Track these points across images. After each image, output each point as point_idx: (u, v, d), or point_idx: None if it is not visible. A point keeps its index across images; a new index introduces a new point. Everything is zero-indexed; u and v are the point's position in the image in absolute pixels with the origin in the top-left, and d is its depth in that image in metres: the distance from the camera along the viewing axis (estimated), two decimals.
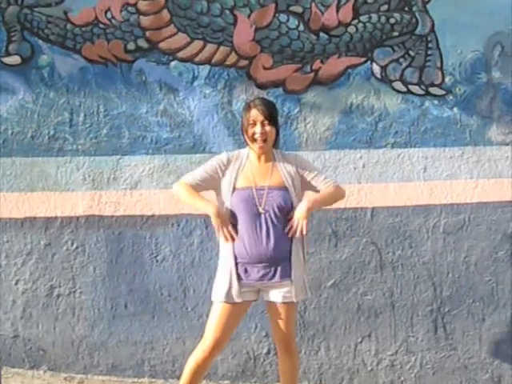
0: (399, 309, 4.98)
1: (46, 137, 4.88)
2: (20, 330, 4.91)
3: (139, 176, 4.89)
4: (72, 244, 4.89)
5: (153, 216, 4.89)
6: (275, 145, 4.03)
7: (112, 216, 4.88)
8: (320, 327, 4.96)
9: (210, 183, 3.97)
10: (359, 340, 4.98)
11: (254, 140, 3.93)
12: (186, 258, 4.85)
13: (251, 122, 3.93)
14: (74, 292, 4.90)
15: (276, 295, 3.94)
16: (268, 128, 3.92)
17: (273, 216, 3.89)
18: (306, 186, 4.02)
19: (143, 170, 4.89)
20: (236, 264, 3.90)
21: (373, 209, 4.95)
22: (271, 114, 3.95)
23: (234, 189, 3.92)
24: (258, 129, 3.91)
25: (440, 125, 4.99)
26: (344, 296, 4.96)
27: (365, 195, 4.95)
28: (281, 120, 4.86)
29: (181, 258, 4.85)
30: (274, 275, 3.91)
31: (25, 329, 4.91)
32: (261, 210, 3.88)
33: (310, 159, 4.86)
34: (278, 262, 3.91)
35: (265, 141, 3.93)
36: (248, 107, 3.99)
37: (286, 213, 3.91)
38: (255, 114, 3.93)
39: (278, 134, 4.01)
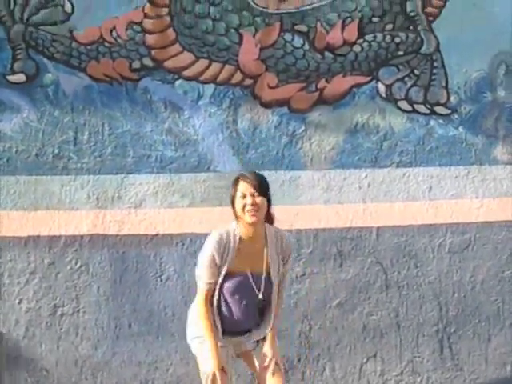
0: (405, 329, 4.96)
1: (51, 155, 4.87)
2: (23, 349, 4.87)
3: (144, 195, 4.88)
4: (76, 263, 4.87)
5: (157, 235, 4.87)
6: (269, 219, 3.91)
7: (116, 235, 4.86)
8: (325, 347, 4.93)
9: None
10: (364, 360, 4.95)
11: (244, 212, 3.81)
12: (191, 278, 4.74)
13: (240, 194, 3.82)
14: (78, 311, 4.88)
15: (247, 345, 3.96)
16: (259, 199, 3.80)
17: (263, 301, 3.88)
18: None
19: (148, 189, 4.88)
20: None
21: (378, 228, 4.94)
22: (261, 186, 3.82)
23: (228, 272, 3.83)
24: (248, 200, 3.79)
25: (445, 144, 4.99)
26: (349, 316, 4.94)
27: (370, 214, 4.94)
28: (286, 139, 4.89)
29: (185, 278, 4.82)
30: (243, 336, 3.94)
31: (28, 348, 4.87)
32: (260, 296, 3.85)
33: (315, 178, 4.90)
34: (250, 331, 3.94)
35: (257, 211, 3.80)
36: (236, 180, 3.88)
37: (270, 299, 3.89)
38: (244, 186, 3.82)
39: (269, 206, 3.87)
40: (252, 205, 3.79)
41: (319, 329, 4.91)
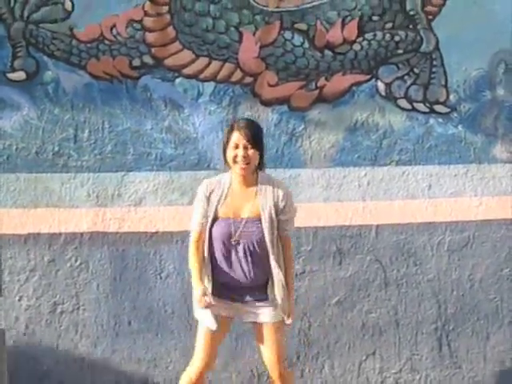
0: (403, 327, 4.97)
1: (51, 153, 4.87)
2: (23, 346, 4.87)
3: (144, 192, 4.88)
4: (76, 260, 4.87)
5: (157, 233, 4.88)
6: (261, 167, 3.96)
7: (116, 233, 4.87)
8: (324, 345, 4.94)
9: None
10: (363, 358, 4.97)
11: (235, 162, 3.86)
12: (190, 275, 4.81)
13: (233, 144, 3.86)
14: (78, 309, 4.88)
15: (254, 316, 3.94)
16: (251, 152, 3.84)
17: (248, 248, 3.85)
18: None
19: (148, 187, 4.88)
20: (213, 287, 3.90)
21: (377, 226, 4.95)
22: (255, 138, 3.86)
23: (216, 218, 3.88)
24: (240, 152, 3.84)
25: (444, 142, 4.99)
26: (348, 314, 4.95)
27: (369, 212, 4.95)
28: (286, 137, 4.89)
29: (185, 275, 4.81)
30: (248, 297, 3.90)
31: (27, 345, 4.87)
32: (233, 241, 3.85)
33: (315, 176, 4.91)
34: (253, 288, 3.90)
35: (247, 164, 3.85)
36: (231, 128, 3.91)
37: (261, 244, 3.87)
38: (238, 136, 3.85)
39: (262, 156, 3.93)
40: (244, 157, 3.83)
41: (318, 326, 4.92)
